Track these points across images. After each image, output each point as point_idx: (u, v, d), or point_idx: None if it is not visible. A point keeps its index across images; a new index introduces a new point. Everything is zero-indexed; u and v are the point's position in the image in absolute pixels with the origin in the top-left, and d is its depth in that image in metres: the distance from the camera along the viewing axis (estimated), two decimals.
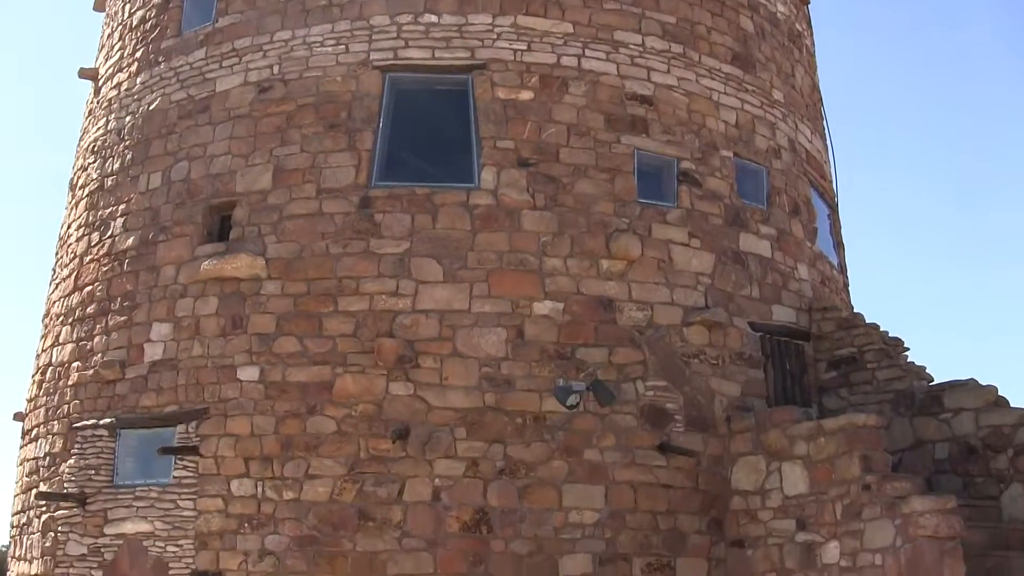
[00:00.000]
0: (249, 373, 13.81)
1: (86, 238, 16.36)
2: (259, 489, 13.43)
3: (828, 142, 18.99)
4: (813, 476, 12.62)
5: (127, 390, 14.74)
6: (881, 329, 15.38)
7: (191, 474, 13.88)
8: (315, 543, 13.12)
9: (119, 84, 17.23)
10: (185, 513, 13.83)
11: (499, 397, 13.32)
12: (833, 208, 18.59)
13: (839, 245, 18.58)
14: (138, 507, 14.25)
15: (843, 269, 18.39)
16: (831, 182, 18.67)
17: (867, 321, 15.48)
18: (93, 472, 14.81)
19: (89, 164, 17.15)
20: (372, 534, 13.02)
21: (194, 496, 13.80)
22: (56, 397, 15.89)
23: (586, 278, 13.97)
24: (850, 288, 18.62)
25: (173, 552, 13.84)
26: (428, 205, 14.06)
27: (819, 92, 19.27)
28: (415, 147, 14.76)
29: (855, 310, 17.00)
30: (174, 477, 14.05)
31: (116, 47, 17.88)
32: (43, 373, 16.63)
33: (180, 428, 14.11)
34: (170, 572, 13.80)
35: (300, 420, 13.45)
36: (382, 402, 13.33)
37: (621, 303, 14.00)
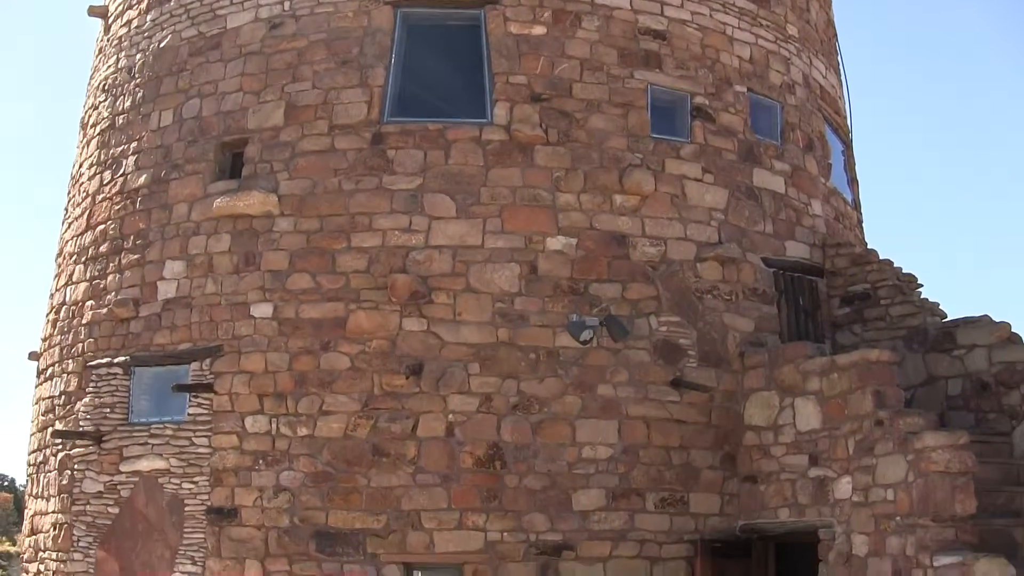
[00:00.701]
0: (262, 310, 13.81)
1: (98, 177, 16.32)
2: (273, 426, 13.49)
3: (843, 78, 18.84)
4: (826, 412, 12.64)
5: (141, 328, 14.76)
6: (895, 265, 15.32)
7: (205, 411, 13.94)
8: (329, 479, 13.19)
9: (129, 22, 17.10)
10: (200, 450, 13.90)
11: (512, 332, 13.33)
12: (847, 144, 18.50)
13: (853, 181, 18.51)
14: (153, 444, 14.32)
15: (857, 205, 18.32)
16: (845, 118, 18.56)
17: (881, 257, 15.42)
18: (108, 410, 14.87)
19: (100, 103, 17.08)
20: (386, 470, 13.09)
21: (209, 433, 13.86)
22: (70, 336, 15.93)
23: (599, 213, 13.93)
24: (864, 224, 18.58)
25: (188, 489, 13.92)
26: (441, 141, 14.00)
27: (834, 27, 19.09)
28: (427, 83, 14.69)
29: (869, 246, 16.99)
30: (189, 414, 14.11)
31: None
32: (57, 312, 16.67)
33: (194, 365, 14.15)
34: (186, 509, 13.89)
35: (314, 357, 13.48)
36: (396, 338, 13.35)
37: (634, 238, 13.96)
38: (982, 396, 13.95)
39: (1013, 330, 14.11)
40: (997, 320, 14.23)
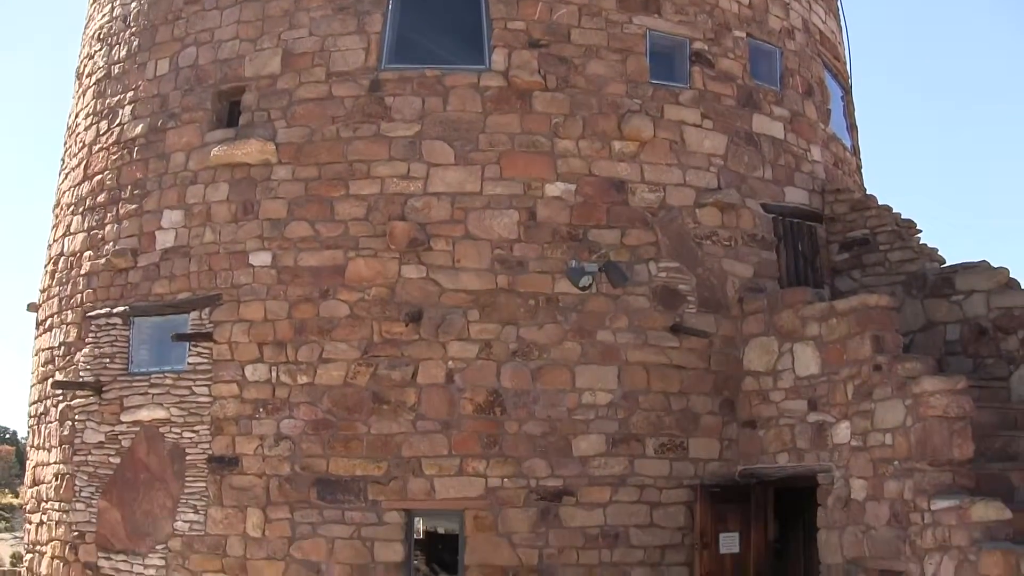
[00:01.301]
0: (261, 259, 13.82)
1: (94, 127, 16.26)
2: (273, 374, 13.53)
3: (842, 23, 18.73)
4: (825, 357, 12.67)
5: (139, 278, 14.78)
6: (894, 211, 15.32)
7: (205, 360, 13.98)
8: (330, 427, 13.24)
9: None
10: (200, 399, 13.96)
11: (512, 279, 13.32)
12: (847, 90, 18.43)
13: (852, 127, 18.47)
14: (154, 394, 14.38)
15: (856, 151, 18.28)
16: (845, 63, 18.47)
17: (880, 203, 15.42)
18: (108, 360, 14.91)
19: (95, 52, 16.97)
20: (386, 417, 13.14)
21: (209, 382, 13.91)
22: (69, 287, 15.94)
23: (598, 159, 13.89)
24: (863, 170, 18.54)
25: (189, 438, 13.99)
26: (439, 87, 13.94)
27: None
28: (425, 29, 14.53)
29: (868, 192, 16.94)
30: (188, 364, 14.15)
31: None
32: (55, 263, 16.67)
33: (193, 315, 14.18)
34: (187, 458, 13.96)
35: (313, 304, 13.49)
36: (395, 285, 13.35)
37: (633, 184, 13.93)
38: (980, 341, 13.96)
39: (1012, 275, 14.10)
40: (996, 266, 14.22)
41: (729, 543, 13.41)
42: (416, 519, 13.31)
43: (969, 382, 11.49)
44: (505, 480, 13.00)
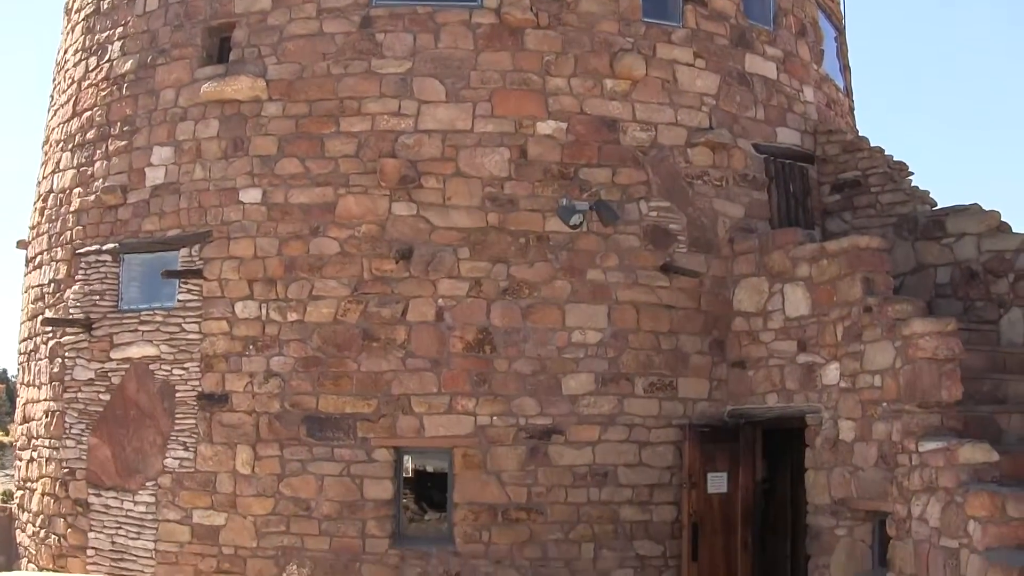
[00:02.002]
0: (251, 195, 13.76)
1: (83, 63, 16.12)
2: (263, 311, 13.52)
3: None
4: (815, 298, 12.67)
5: (129, 215, 14.73)
6: (886, 153, 15.27)
7: (195, 297, 13.96)
8: (320, 364, 13.25)
9: None
10: (190, 336, 13.95)
11: (502, 217, 13.28)
12: (840, 30, 18.31)
13: (845, 68, 18.37)
14: (144, 331, 14.37)
15: (849, 92, 18.21)
16: (839, 3, 18.34)
17: (872, 145, 15.36)
18: (98, 297, 14.89)
19: None
20: (376, 354, 13.14)
21: (199, 319, 13.90)
22: (58, 224, 15.88)
23: (590, 98, 13.79)
24: (855, 111, 18.47)
25: (179, 375, 13.99)
26: (430, 24, 13.80)
27: None
28: None
29: (860, 133, 16.89)
30: (178, 301, 14.14)
31: None
32: (44, 200, 16.60)
33: (183, 252, 14.14)
34: (177, 395, 13.97)
35: (303, 242, 13.46)
36: (385, 223, 13.31)
37: (625, 123, 13.85)
38: (971, 284, 13.95)
39: (1003, 219, 14.08)
40: (987, 209, 14.20)
41: (717, 483, 13.47)
42: (405, 457, 13.35)
43: (959, 325, 11.47)
44: (494, 418, 13.04)
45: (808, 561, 12.78)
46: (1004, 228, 13.96)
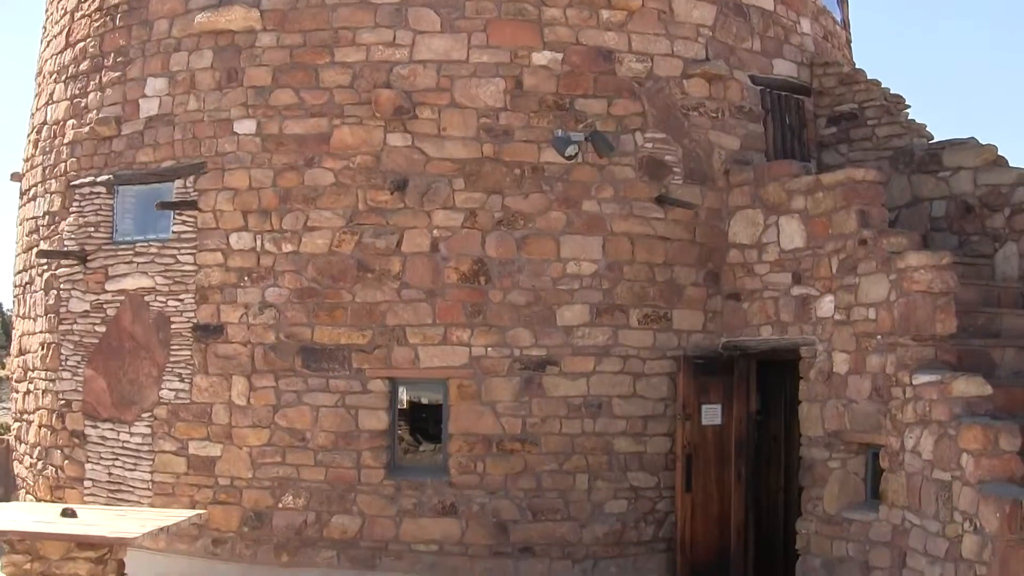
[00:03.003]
0: (246, 126, 13.67)
1: None
2: (258, 242, 13.49)
3: None
4: (810, 230, 12.66)
5: (123, 146, 14.65)
6: (882, 86, 15.18)
7: (190, 229, 13.93)
8: (314, 295, 13.24)
9: None
10: (185, 268, 13.94)
11: (497, 148, 13.20)
12: None
13: (843, 0, 18.20)
14: (138, 263, 14.35)
15: (846, 24, 18.03)
16: None
17: (869, 77, 15.28)
18: (93, 229, 14.86)
19: None
20: (371, 285, 13.13)
21: (193, 251, 13.88)
22: (52, 156, 15.82)
23: (585, 28, 13.63)
24: (852, 44, 18.34)
25: (174, 307, 13.99)
26: None
27: None
28: None
29: (857, 66, 16.79)
30: (173, 232, 14.10)
31: None
32: (38, 132, 16.52)
33: (178, 183, 14.07)
34: (172, 326, 13.98)
35: (298, 173, 13.39)
36: (380, 153, 13.24)
37: (620, 54, 13.71)
38: (966, 218, 13.95)
39: (999, 153, 14.06)
40: (984, 142, 14.16)
41: (711, 415, 13.52)
42: (400, 388, 13.37)
43: (954, 258, 11.45)
44: (489, 349, 13.04)
45: (801, 493, 12.84)
46: (1001, 162, 13.94)
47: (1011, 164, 13.94)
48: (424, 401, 13.70)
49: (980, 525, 9.40)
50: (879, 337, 11.48)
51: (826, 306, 12.36)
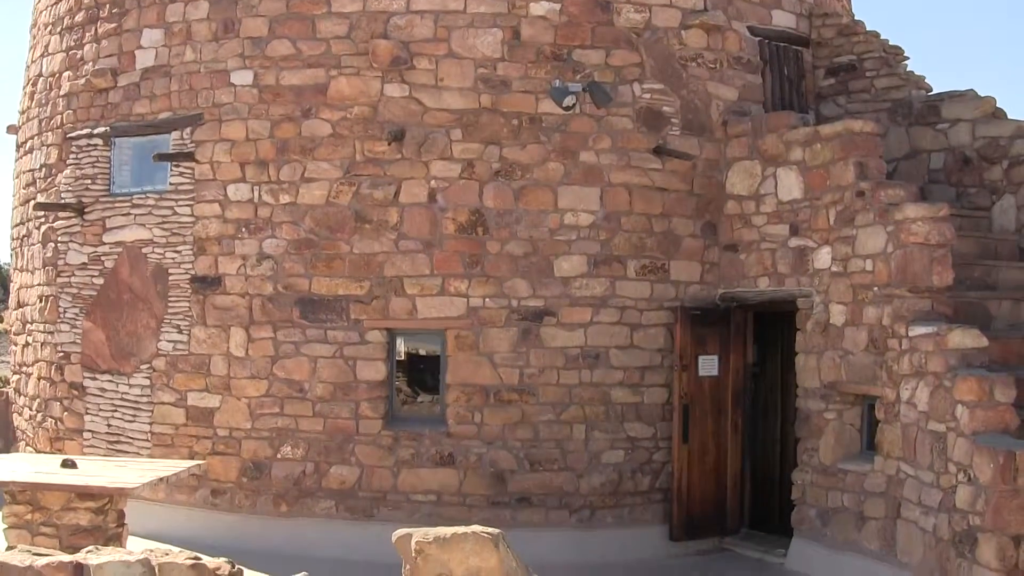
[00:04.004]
0: (243, 77, 13.62)
1: None
2: (255, 193, 13.48)
3: None
4: (808, 182, 12.65)
5: (120, 98, 14.62)
6: (881, 37, 15.10)
7: (187, 180, 13.92)
8: (312, 246, 13.24)
9: None
10: (183, 219, 13.94)
11: (495, 98, 13.15)
12: None
13: None
14: (136, 215, 14.36)
15: None
16: None
17: (867, 28, 15.19)
18: (90, 181, 14.85)
19: None
20: (369, 236, 13.12)
21: (191, 202, 13.88)
22: (48, 108, 15.79)
23: None
24: None
25: (172, 258, 14.01)
26: None
27: None
28: None
29: (856, 17, 16.69)
30: (170, 184, 14.09)
31: None
32: (34, 84, 16.48)
33: (175, 135, 14.06)
34: (170, 278, 14.00)
35: (295, 124, 13.36)
36: (377, 104, 13.19)
37: (619, 4, 13.59)
38: (964, 170, 13.94)
39: (998, 105, 14.03)
40: (982, 94, 14.13)
41: (708, 365, 13.55)
42: (398, 339, 13.40)
43: (951, 210, 11.51)
44: (487, 300, 13.05)
45: (797, 444, 12.91)
46: (999, 114, 13.92)
47: (1009, 116, 13.92)
48: (422, 353, 13.72)
49: (974, 476, 9.47)
50: (876, 289, 11.50)
51: (823, 258, 12.37)
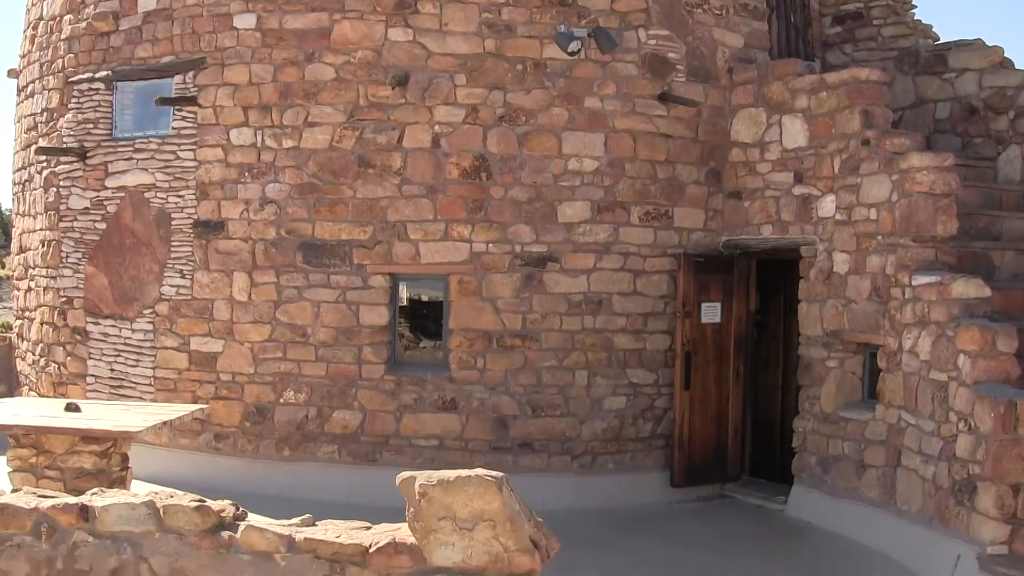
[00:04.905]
0: (245, 21, 13.50)
1: None
2: (258, 138, 13.41)
3: None
4: (813, 130, 12.61)
5: (122, 42, 14.50)
6: None
7: (190, 125, 13.85)
8: (316, 190, 13.19)
9: None
10: (185, 164, 13.88)
11: (499, 43, 13.04)
12: None
13: None
14: (138, 159, 14.30)
15: None
16: None
17: None
18: (92, 126, 14.79)
19: None
20: (372, 180, 13.07)
21: (194, 147, 13.81)
22: (50, 52, 15.69)
23: None
24: None
25: (175, 203, 13.97)
26: None
27: None
28: None
29: None
30: (173, 128, 14.02)
31: None
32: (35, 28, 16.37)
33: (177, 79, 13.95)
34: (172, 222, 13.97)
35: (298, 68, 13.25)
36: (381, 48, 13.08)
37: None
38: (970, 120, 13.93)
39: (1005, 55, 13.99)
40: (990, 44, 14.08)
41: (711, 313, 13.56)
42: (401, 284, 13.38)
43: (957, 160, 11.52)
44: (490, 245, 13.02)
45: (799, 392, 12.95)
46: (1006, 64, 13.91)
47: (1017, 66, 13.90)
48: (425, 298, 13.71)
49: (975, 425, 9.53)
50: (880, 238, 11.50)
51: (827, 206, 12.36)
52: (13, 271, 18.04)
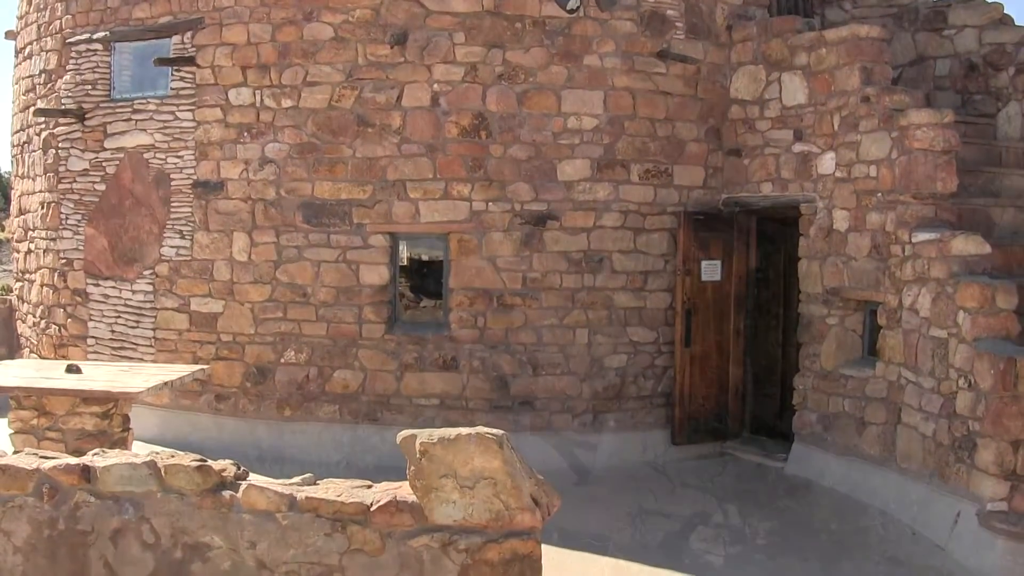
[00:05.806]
0: None
1: None
2: (257, 97, 13.37)
3: None
4: (812, 87, 12.58)
5: (119, 2, 14.43)
6: None
7: (189, 85, 13.80)
8: (315, 150, 13.16)
9: None
10: (184, 124, 13.85)
11: (498, 1, 12.92)
12: None
13: None
14: (137, 120, 14.26)
15: None
16: None
17: None
18: (90, 87, 14.73)
19: None
20: (371, 140, 13.04)
21: (192, 107, 13.77)
22: (47, 13, 15.61)
23: None
24: None
25: (174, 163, 13.95)
26: None
27: None
28: None
29: None
30: (171, 89, 13.98)
31: None
32: None
33: (175, 39, 13.89)
34: (172, 183, 13.95)
35: (297, 27, 13.18)
36: (379, 7, 12.99)
37: None
38: (970, 77, 13.88)
39: (1005, 11, 13.94)
40: (990, 1, 14.01)
41: (711, 270, 13.56)
42: (401, 243, 13.36)
43: (956, 117, 11.49)
44: (490, 204, 13.00)
45: (799, 349, 12.96)
46: (1006, 20, 13.86)
47: (1017, 23, 13.84)
48: (425, 258, 13.71)
49: (974, 382, 9.56)
50: (879, 195, 11.49)
51: (827, 163, 12.34)
52: (13, 233, 18.03)
